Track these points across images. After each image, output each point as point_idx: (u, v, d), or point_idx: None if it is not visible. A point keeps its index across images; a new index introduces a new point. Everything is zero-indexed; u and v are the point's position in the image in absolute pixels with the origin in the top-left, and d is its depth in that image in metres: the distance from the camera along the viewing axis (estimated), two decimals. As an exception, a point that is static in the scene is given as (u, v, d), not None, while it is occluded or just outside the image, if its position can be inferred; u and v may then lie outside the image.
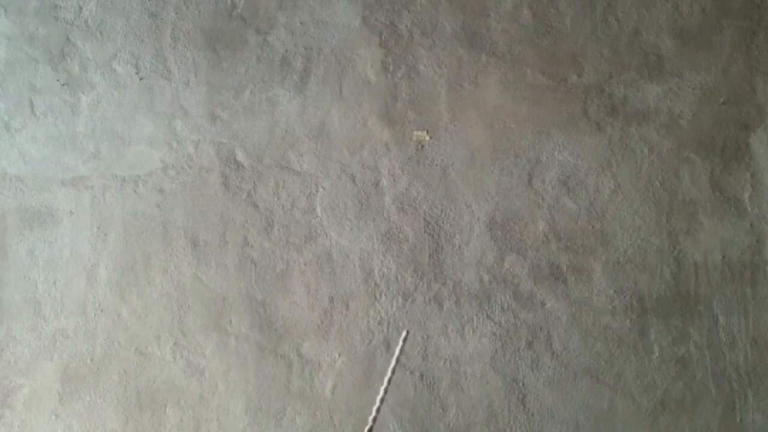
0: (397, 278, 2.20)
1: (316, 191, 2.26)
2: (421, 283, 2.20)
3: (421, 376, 2.15)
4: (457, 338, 2.17)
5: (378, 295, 2.19)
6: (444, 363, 2.16)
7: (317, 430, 2.18)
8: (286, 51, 2.31)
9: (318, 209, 2.25)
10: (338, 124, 2.28)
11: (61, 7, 2.36)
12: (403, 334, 1.39)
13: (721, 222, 2.18)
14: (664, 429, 2.13)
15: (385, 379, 1.34)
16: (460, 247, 2.21)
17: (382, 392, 1.34)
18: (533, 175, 2.23)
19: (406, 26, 2.30)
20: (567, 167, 2.23)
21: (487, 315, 2.18)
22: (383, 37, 2.30)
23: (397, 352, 1.37)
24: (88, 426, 2.20)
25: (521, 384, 2.15)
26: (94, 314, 2.24)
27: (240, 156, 2.28)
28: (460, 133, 2.25)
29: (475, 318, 2.18)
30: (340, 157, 2.27)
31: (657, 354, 2.15)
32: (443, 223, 2.22)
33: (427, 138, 2.26)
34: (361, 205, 2.25)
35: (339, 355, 2.19)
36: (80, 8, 2.35)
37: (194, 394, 2.21)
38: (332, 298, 2.21)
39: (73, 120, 2.32)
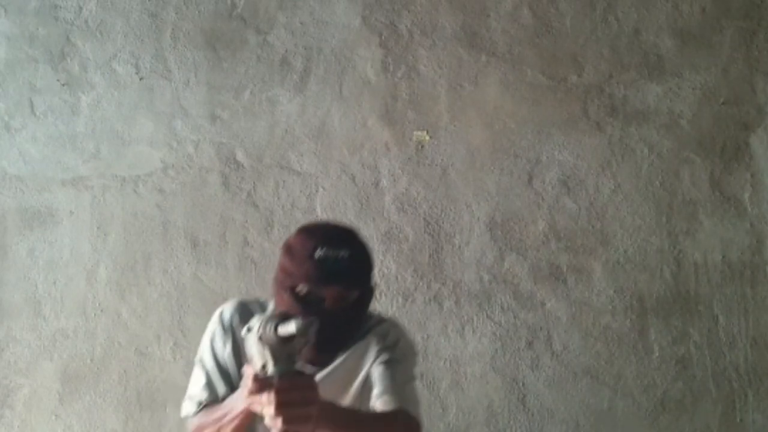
0: (397, 278, 2.20)
1: (316, 191, 2.26)
2: (421, 283, 2.20)
3: (421, 376, 2.15)
4: (457, 338, 2.17)
5: (378, 295, 2.19)
6: (444, 363, 2.16)
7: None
8: (286, 51, 2.31)
9: (318, 209, 2.25)
10: (338, 124, 2.28)
11: (61, 7, 2.36)
12: None
13: (721, 222, 2.18)
14: (664, 429, 2.13)
15: None
16: (460, 247, 2.21)
17: None
18: (533, 175, 2.23)
19: (406, 26, 2.30)
20: (567, 167, 2.23)
21: (487, 315, 2.18)
22: (383, 37, 2.30)
23: None
24: (88, 426, 2.20)
25: (521, 384, 2.15)
26: (94, 314, 2.24)
27: (240, 156, 2.28)
28: (460, 133, 2.25)
29: (475, 318, 2.18)
30: (340, 157, 2.27)
31: (657, 354, 2.15)
32: (443, 223, 2.22)
33: (427, 138, 2.26)
34: (361, 205, 2.25)
35: (339, 355, 2.18)
36: (80, 8, 2.35)
37: (194, 394, 2.21)
38: (332, 298, 2.21)
39: (73, 120, 2.32)
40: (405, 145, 2.26)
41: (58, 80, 2.33)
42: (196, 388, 1.41)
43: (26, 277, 2.26)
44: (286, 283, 1.33)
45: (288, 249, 1.36)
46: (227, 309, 1.45)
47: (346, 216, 2.23)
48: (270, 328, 1.07)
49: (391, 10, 2.31)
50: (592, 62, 2.25)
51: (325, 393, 1.31)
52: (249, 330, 1.11)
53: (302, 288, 1.31)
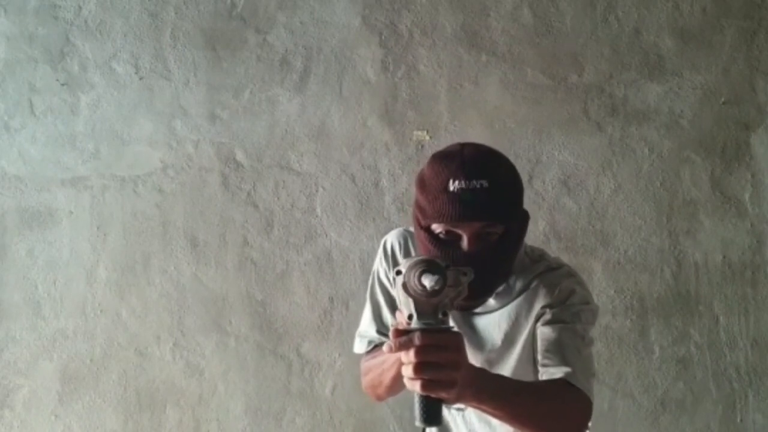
0: (397, 278, 2.20)
1: (316, 191, 2.26)
2: (421, 283, 2.19)
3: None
4: (457, 338, 2.17)
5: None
6: (444, 363, 2.16)
7: (317, 430, 2.18)
8: (286, 51, 2.31)
9: (318, 209, 2.25)
10: (338, 124, 2.28)
11: (60, 7, 2.35)
12: None
13: (721, 222, 2.18)
14: (665, 429, 2.13)
15: None
16: (460, 247, 2.20)
17: None
18: (533, 175, 2.23)
19: (406, 26, 2.30)
20: (567, 167, 2.22)
21: (487, 315, 2.17)
22: (383, 37, 2.30)
23: None
24: (88, 426, 2.20)
25: (521, 384, 2.14)
26: (94, 314, 2.24)
27: (240, 156, 2.28)
28: (460, 133, 2.25)
29: (475, 318, 2.17)
30: (340, 157, 2.26)
31: (657, 354, 2.15)
32: (443, 223, 2.22)
33: (427, 138, 2.25)
34: (361, 205, 2.24)
35: (339, 355, 2.18)
36: (80, 8, 2.35)
37: (194, 394, 2.20)
38: (332, 298, 2.21)
39: (73, 120, 2.31)
40: (405, 145, 2.26)
41: (57, 80, 2.33)
42: (365, 323, 1.34)
43: (26, 277, 2.26)
44: (420, 221, 1.17)
45: (421, 181, 1.18)
46: (390, 236, 1.33)
47: (346, 216, 2.23)
48: (414, 276, 0.92)
49: (391, 10, 2.30)
50: (592, 62, 2.25)
51: (475, 358, 1.16)
52: (398, 273, 0.95)
53: (437, 227, 1.15)
